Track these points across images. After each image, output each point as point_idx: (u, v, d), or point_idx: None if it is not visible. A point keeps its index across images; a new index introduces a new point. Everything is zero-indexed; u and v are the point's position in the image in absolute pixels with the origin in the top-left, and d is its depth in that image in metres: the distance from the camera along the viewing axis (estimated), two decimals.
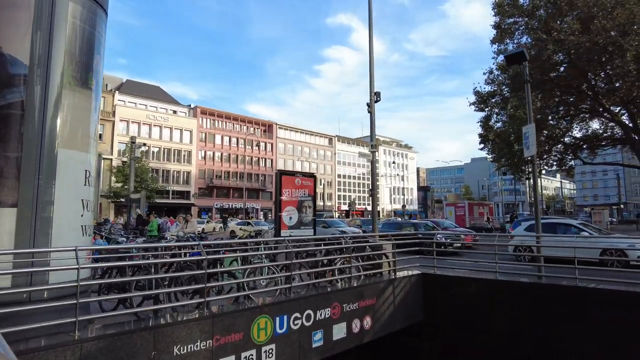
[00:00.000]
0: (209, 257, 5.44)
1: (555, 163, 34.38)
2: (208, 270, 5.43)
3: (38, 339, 4.02)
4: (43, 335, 4.11)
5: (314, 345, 6.49)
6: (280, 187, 12.63)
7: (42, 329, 4.03)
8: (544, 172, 41.55)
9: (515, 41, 27.00)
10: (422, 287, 9.12)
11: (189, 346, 4.91)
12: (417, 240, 10.59)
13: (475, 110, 29.21)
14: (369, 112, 11.50)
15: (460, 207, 41.83)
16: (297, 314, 6.25)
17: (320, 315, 6.64)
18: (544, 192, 77.35)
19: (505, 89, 27.22)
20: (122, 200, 38.79)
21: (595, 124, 34.19)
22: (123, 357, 4.35)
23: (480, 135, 33.83)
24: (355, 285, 7.56)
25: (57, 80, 4.93)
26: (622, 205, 58.80)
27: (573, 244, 8.24)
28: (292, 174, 13.29)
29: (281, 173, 12.79)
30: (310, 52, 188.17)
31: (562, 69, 25.22)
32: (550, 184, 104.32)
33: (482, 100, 28.29)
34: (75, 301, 4.26)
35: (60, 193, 4.82)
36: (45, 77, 4.79)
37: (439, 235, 16.82)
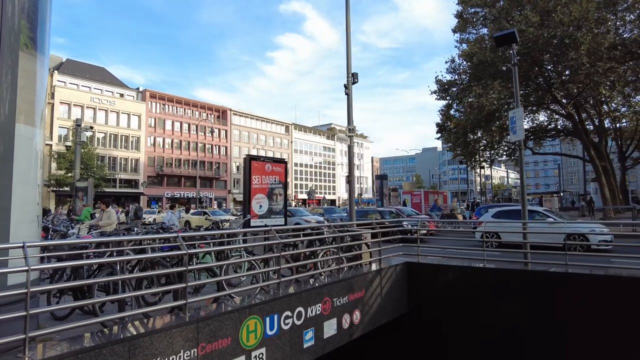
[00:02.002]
0: (190, 251, 4.60)
1: (504, 153, 35.90)
2: (190, 267, 4.60)
3: None
4: None
5: (305, 346, 5.85)
6: (249, 174, 11.76)
7: None
8: (496, 159, 43.21)
9: (475, 31, 27.47)
10: (406, 276, 8.74)
11: (171, 358, 4.09)
12: (401, 228, 10.18)
13: (436, 98, 29.59)
14: (346, 93, 10.87)
15: (417, 195, 42.66)
16: (288, 312, 5.57)
17: (312, 312, 6.01)
18: (492, 181, 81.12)
19: (466, 78, 27.66)
20: (66, 188, 35.79)
21: (541, 116, 35.98)
22: None
23: (438, 125, 34.50)
24: (345, 277, 6.98)
25: (13, 39, 3.98)
26: (561, 194, 62.82)
27: (560, 229, 8.17)
28: (262, 159, 12.43)
29: (250, 158, 11.85)
30: (262, 38, 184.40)
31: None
32: (497, 173, 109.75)
33: (443, 89, 28.61)
34: (24, 312, 3.31)
35: (17, 176, 3.93)
36: None
37: (404, 222, 16.73)
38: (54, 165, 41.18)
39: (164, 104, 60.90)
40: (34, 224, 4.49)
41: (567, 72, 24.32)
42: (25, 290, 3.36)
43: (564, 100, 26.64)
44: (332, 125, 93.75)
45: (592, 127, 30.94)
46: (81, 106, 49.86)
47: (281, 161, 12.85)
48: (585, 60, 21.15)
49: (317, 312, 6.12)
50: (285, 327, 5.51)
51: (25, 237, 3.83)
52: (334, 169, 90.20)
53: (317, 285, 6.34)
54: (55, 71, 49.40)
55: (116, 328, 4.12)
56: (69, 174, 35.21)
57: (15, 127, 4.04)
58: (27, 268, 3.36)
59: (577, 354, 6.98)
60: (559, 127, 34.24)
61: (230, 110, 69.32)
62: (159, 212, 38.86)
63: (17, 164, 3.98)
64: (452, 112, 30.93)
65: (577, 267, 7.53)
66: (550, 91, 25.66)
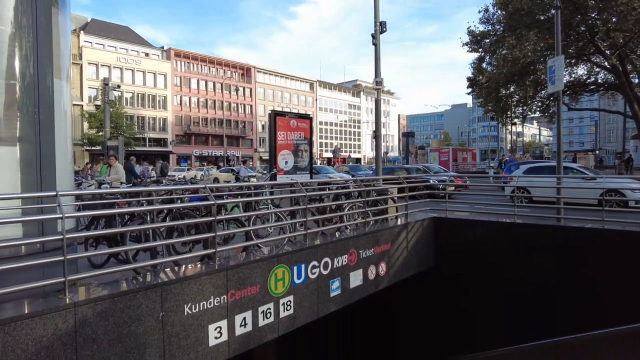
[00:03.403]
0: (217, 202, 4.63)
1: (538, 109, 34.23)
2: (218, 217, 4.65)
3: (18, 304, 3.24)
4: (24, 299, 3.33)
5: (331, 295, 5.96)
6: (275, 130, 11.68)
7: (21, 292, 3.23)
8: (529, 116, 41.39)
9: None
10: (433, 231, 8.66)
11: (202, 304, 4.23)
12: (428, 184, 10.01)
13: (468, 51, 28.18)
14: (373, 44, 10.42)
15: (445, 152, 41.85)
16: (315, 262, 5.64)
17: (338, 262, 6.06)
18: (523, 138, 78.32)
19: (500, 28, 26.01)
20: (99, 147, 36.89)
21: (580, 70, 33.79)
22: (126, 320, 3.63)
23: (469, 79, 33.06)
24: (370, 230, 6.96)
25: None
26: (597, 151, 60.12)
27: (597, 185, 7.80)
28: (287, 115, 12.28)
29: (275, 114, 11.77)
30: None
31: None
32: (528, 131, 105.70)
33: (476, 41, 27.12)
34: (62, 257, 3.44)
35: (57, 131, 4.14)
36: None
37: (432, 179, 16.47)
38: (85, 125, 42.31)
39: (188, 63, 60.66)
40: (71, 176, 4.64)
41: (613, 20, 22.42)
42: (62, 237, 3.47)
43: (607, 52, 24.81)
44: (358, 82, 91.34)
45: (637, 81, 28.94)
46: (108, 66, 50.32)
47: (306, 117, 12.68)
48: (637, 4, 19.36)
49: (344, 263, 6.18)
50: (312, 277, 5.60)
51: (66, 188, 4.02)
52: (359, 127, 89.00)
53: (343, 237, 6.36)
54: (82, 31, 49.56)
55: (149, 275, 4.26)
56: (100, 133, 36.17)
57: (54, 82, 4.16)
58: (61, 215, 3.45)
59: (608, 312, 6.85)
60: (599, 81, 32.18)
61: (254, 67, 68.44)
62: (188, 169, 39.80)
63: (56, 119, 4.14)
64: (484, 65, 29.45)
65: (613, 223, 7.25)
66: (593, 41, 23.84)
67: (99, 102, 28.53)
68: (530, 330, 7.54)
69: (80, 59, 47.35)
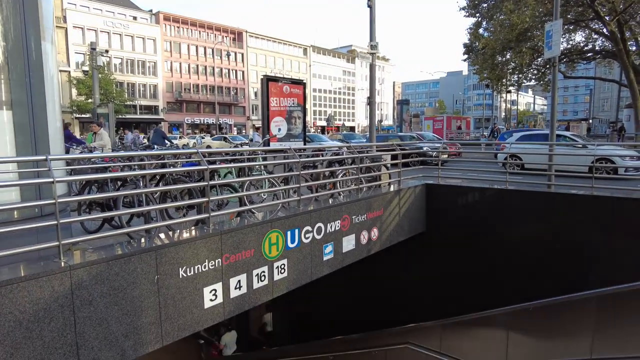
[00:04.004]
0: (210, 167, 4.61)
1: (534, 77, 33.95)
2: (211, 182, 4.64)
3: (14, 267, 3.26)
4: (19, 263, 3.35)
5: (324, 259, 6.08)
6: (267, 96, 11.50)
7: (17, 256, 3.25)
8: (524, 84, 41.07)
9: None
10: (426, 198, 8.76)
11: (196, 267, 4.29)
12: (421, 151, 10.02)
13: (465, 15, 27.54)
14: (368, 6, 10.11)
15: (439, 120, 41.60)
16: (309, 227, 5.71)
17: (331, 227, 6.15)
18: (517, 107, 77.99)
19: None
20: (88, 115, 36.24)
21: (578, 37, 33.29)
22: (122, 284, 3.68)
23: (465, 45, 32.54)
24: (363, 197, 7.02)
25: None
26: (590, 120, 60.20)
27: (589, 152, 7.86)
28: (280, 80, 12.05)
29: (268, 79, 11.55)
30: None
31: None
32: (523, 100, 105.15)
33: (473, 5, 26.48)
34: (55, 222, 3.44)
35: (48, 95, 4.14)
36: None
37: (425, 147, 16.49)
38: (74, 91, 41.32)
39: (178, 27, 58.81)
40: (61, 142, 4.60)
41: None
42: (54, 201, 3.46)
43: (606, 18, 24.41)
44: (353, 47, 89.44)
45: (635, 48, 28.63)
46: (94, 30, 48.64)
47: (299, 82, 12.46)
48: None
49: (337, 228, 6.26)
50: (306, 241, 5.68)
51: (56, 153, 4.02)
52: (353, 95, 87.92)
53: (336, 203, 6.41)
54: None
55: (143, 240, 4.29)
56: (89, 100, 35.40)
57: (42, 45, 4.09)
58: (52, 180, 3.43)
59: (591, 273, 7.08)
60: (596, 48, 31.81)
61: (246, 31, 66.57)
62: (180, 137, 39.39)
63: (47, 83, 4.07)
64: (481, 31, 28.92)
65: (602, 190, 7.37)
66: (593, 6, 23.40)
67: (86, 68, 27.76)
68: (518, 292, 7.79)
69: (65, 22, 45.64)
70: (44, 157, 3.58)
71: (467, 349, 5.61)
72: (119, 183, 5.31)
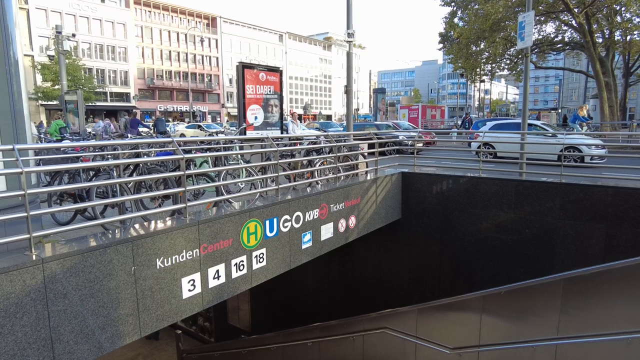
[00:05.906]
0: (186, 156, 4.53)
1: (506, 67, 34.72)
2: (187, 172, 4.57)
3: None
4: None
5: (303, 247, 6.11)
6: (243, 83, 11.33)
7: None
8: (497, 74, 41.89)
9: None
10: (402, 186, 8.89)
11: (174, 257, 4.24)
12: (398, 139, 10.13)
13: (440, 4, 27.75)
14: None
15: (414, 109, 42.06)
16: (287, 216, 5.71)
17: (309, 216, 6.17)
18: (490, 96, 79.55)
19: None
20: (56, 102, 34.78)
21: (549, 28, 34.16)
22: (98, 276, 3.61)
23: (440, 35, 32.89)
24: (341, 185, 7.07)
25: None
26: (559, 110, 62.18)
27: (558, 141, 8.13)
28: (256, 67, 11.88)
29: (243, 66, 11.36)
30: None
31: None
32: (496, 89, 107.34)
33: None
34: (25, 214, 3.32)
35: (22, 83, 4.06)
36: None
37: (401, 136, 16.70)
38: (39, 77, 39.51)
39: (149, 11, 56.92)
40: (30, 131, 4.42)
41: None
42: (23, 192, 3.34)
43: (575, 10, 25.12)
44: (329, 35, 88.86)
45: (601, 40, 29.58)
46: (59, 13, 46.49)
47: (276, 70, 12.32)
48: None
49: (315, 217, 6.29)
50: (285, 230, 5.69)
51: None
52: (330, 83, 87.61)
53: (314, 192, 6.44)
54: None
55: (118, 231, 4.21)
56: (56, 87, 33.96)
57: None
58: (20, 170, 3.30)
59: (563, 256, 7.39)
60: (566, 39, 32.76)
61: (220, 17, 65.06)
62: (153, 125, 38.37)
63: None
64: (456, 20, 29.29)
65: (569, 177, 7.67)
66: None
67: (52, 53, 26.52)
68: (491, 276, 8.08)
69: (26, 2, 43.38)
70: (11, 147, 3.43)
71: (442, 332, 5.79)
72: (92, 173, 5.16)
